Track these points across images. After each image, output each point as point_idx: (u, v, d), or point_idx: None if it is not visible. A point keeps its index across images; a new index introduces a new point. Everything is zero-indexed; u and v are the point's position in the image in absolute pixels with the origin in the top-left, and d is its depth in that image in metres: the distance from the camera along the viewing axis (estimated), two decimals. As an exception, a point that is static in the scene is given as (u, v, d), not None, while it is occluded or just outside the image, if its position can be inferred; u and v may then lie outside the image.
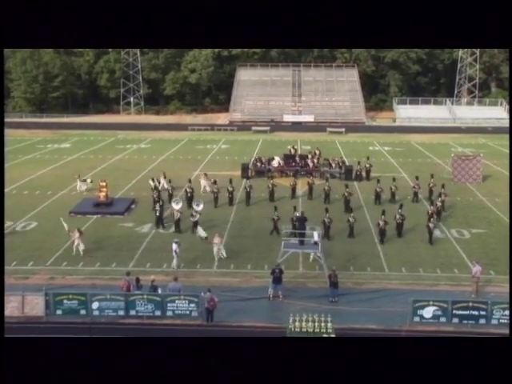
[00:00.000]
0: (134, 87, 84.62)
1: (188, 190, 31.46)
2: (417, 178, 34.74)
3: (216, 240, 23.86)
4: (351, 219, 26.57)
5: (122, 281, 19.80)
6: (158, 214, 27.88)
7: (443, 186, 31.25)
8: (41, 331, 17.18)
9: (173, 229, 27.44)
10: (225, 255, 23.86)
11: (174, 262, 22.86)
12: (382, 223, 25.89)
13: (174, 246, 22.80)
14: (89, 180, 36.03)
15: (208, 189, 34.60)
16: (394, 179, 34.71)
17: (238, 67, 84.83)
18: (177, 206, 27.88)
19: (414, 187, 33.66)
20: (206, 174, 36.39)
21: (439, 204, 29.46)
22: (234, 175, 38.48)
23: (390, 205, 31.45)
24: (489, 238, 26.78)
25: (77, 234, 24.28)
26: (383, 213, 26.24)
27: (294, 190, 34.02)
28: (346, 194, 31.38)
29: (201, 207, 27.86)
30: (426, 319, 18.05)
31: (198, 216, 27.12)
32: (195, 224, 26.95)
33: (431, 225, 25.69)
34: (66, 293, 18.88)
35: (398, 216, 26.70)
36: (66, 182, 37.79)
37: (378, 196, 33.01)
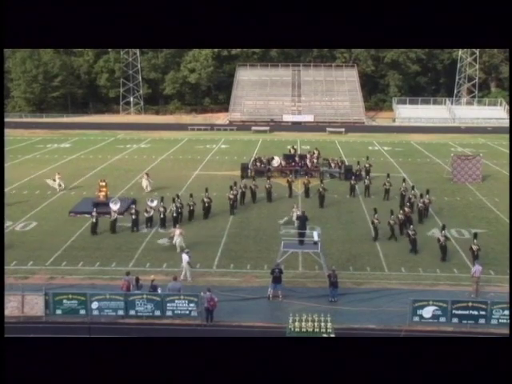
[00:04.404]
0: (133, 87, 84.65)
1: (206, 199, 29.56)
2: (388, 175, 34.89)
3: (177, 232, 24.35)
4: (376, 221, 26.14)
5: (121, 281, 19.81)
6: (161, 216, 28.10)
7: (428, 192, 30.45)
8: (40, 331, 17.18)
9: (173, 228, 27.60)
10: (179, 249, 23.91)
11: (188, 273, 21.78)
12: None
13: (186, 257, 21.84)
14: None
15: (149, 188, 35.14)
16: (388, 175, 34.87)
17: (237, 67, 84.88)
18: (115, 206, 28.10)
19: (384, 184, 33.67)
20: (147, 174, 36.38)
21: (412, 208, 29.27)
22: (234, 175, 38.50)
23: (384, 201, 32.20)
24: (488, 237, 26.76)
25: None
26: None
27: (269, 192, 33.19)
28: (321, 190, 31.76)
29: (155, 203, 28.61)
30: (425, 319, 18.04)
31: (152, 212, 27.88)
32: (149, 219, 27.74)
33: (411, 232, 24.78)
34: (65, 292, 18.87)
35: (420, 205, 28.86)
36: (65, 181, 37.79)
37: (352, 188, 34.22)
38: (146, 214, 27.83)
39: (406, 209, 27.80)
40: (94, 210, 27.63)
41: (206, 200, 29.59)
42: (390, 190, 33.28)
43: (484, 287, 20.96)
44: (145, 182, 35.57)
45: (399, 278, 22.13)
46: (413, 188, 31.57)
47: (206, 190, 30.36)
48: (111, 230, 27.20)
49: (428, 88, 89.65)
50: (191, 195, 29.77)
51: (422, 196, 29.72)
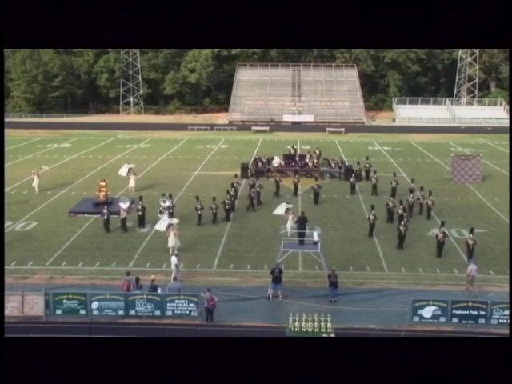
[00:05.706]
0: (133, 87, 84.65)
1: (227, 201, 29.12)
2: (394, 174, 35.29)
3: (171, 234, 24.07)
4: (371, 217, 26.52)
5: (121, 281, 19.80)
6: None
7: (430, 193, 30.58)
8: (40, 331, 17.17)
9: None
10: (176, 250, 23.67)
11: (173, 274, 21.30)
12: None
13: (174, 259, 21.68)
14: None
15: (134, 185, 35.17)
16: (394, 174, 35.20)
17: (237, 67, 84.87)
18: (124, 204, 28.06)
19: (391, 183, 33.80)
20: (134, 173, 36.33)
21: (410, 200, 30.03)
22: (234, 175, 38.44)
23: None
24: (488, 237, 26.77)
25: None
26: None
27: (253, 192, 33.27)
28: (316, 188, 32.11)
29: (167, 203, 28.36)
30: (425, 319, 18.04)
31: (166, 213, 27.70)
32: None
33: (402, 228, 25.05)
34: (65, 292, 18.86)
35: (429, 202, 29.49)
36: (65, 181, 37.82)
37: (353, 187, 34.70)
38: (160, 215, 27.62)
39: (391, 203, 28.47)
40: (105, 207, 27.73)
41: (227, 202, 29.17)
42: (397, 189, 33.36)
43: (484, 287, 20.97)
44: (132, 182, 35.50)
45: (399, 278, 22.13)
46: (421, 189, 31.99)
47: (228, 192, 29.82)
48: (122, 229, 27.18)
49: (428, 88, 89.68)
50: (214, 198, 29.02)
51: (411, 192, 30.65)
